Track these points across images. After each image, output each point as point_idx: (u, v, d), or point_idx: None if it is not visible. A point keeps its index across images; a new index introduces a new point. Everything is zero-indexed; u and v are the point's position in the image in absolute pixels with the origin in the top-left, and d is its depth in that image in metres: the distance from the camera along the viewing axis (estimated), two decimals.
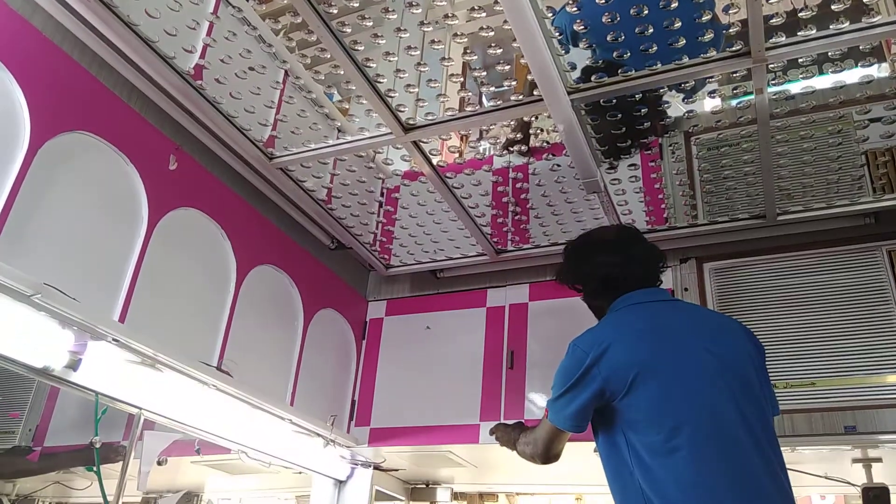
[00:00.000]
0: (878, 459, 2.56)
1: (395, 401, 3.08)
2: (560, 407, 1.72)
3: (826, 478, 2.58)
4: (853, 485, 2.60)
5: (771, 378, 1.79)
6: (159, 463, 2.45)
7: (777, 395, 1.81)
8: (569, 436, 1.80)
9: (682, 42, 1.87)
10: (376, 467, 3.18)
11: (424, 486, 3.60)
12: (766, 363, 1.79)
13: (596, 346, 1.68)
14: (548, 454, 1.85)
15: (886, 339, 2.40)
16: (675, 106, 2.19)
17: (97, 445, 2.10)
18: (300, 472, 3.01)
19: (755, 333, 1.83)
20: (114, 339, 1.93)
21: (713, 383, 1.63)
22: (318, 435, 2.80)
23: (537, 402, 2.80)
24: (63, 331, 1.83)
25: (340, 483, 3.14)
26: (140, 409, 2.16)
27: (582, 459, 2.29)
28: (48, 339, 1.81)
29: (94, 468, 2.14)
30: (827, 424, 2.35)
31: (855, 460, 2.58)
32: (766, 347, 1.81)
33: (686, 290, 2.73)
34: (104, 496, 2.11)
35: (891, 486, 2.54)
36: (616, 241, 1.95)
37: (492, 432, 2.20)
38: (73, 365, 1.87)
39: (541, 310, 3.00)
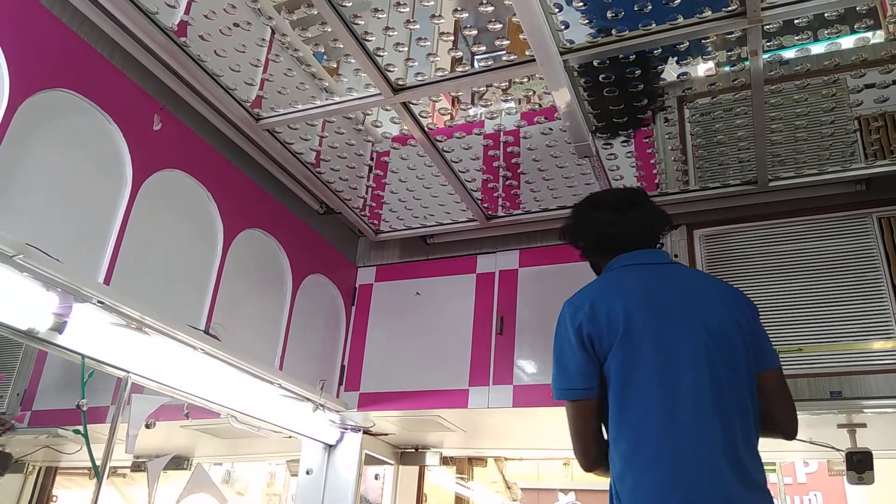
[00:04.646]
0: (863, 425, 2.60)
1: (384, 366, 3.08)
2: (560, 374, 1.70)
3: (811, 443, 2.61)
4: (837, 449, 2.63)
5: None
6: (148, 426, 2.45)
7: None
8: (591, 416, 1.67)
9: (678, 1, 1.83)
10: (366, 432, 3.20)
11: (414, 450, 3.63)
12: None
13: (586, 303, 1.70)
14: (585, 447, 1.68)
15: (874, 305, 2.42)
16: (669, 70, 2.16)
17: (84, 408, 2.09)
18: (290, 437, 3.03)
19: None
20: (99, 302, 1.90)
21: (691, 348, 1.61)
22: (308, 399, 2.80)
23: (526, 367, 2.81)
24: (47, 293, 1.81)
25: (330, 447, 3.16)
26: (127, 372, 2.15)
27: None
28: (32, 300, 1.79)
29: (82, 431, 2.13)
30: (813, 390, 2.37)
31: (840, 425, 2.62)
32: None
33: (676, 256, 2.73)
34: (92, 459, 2.11)
35: (874, 451, 2.57)
36: (616, 202, 1.94)
37: None
38: (59, 327, 1.84)
39: (530, 276, 3.00)
